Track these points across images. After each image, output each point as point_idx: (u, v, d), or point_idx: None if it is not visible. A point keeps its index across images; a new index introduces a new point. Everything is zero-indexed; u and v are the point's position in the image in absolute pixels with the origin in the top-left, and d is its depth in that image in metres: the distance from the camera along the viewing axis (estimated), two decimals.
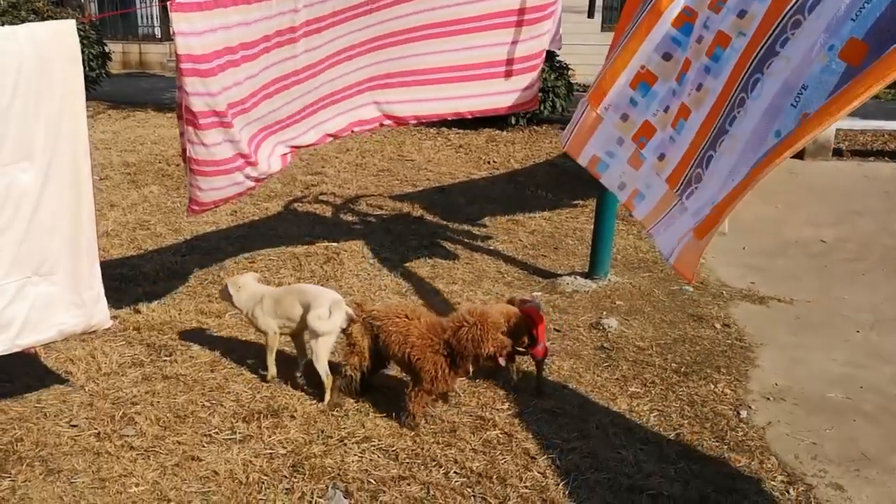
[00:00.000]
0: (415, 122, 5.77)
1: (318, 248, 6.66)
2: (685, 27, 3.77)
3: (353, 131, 5.40)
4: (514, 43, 5.41)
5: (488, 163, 9.91)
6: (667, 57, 3.87)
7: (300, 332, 4.36)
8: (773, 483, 3.55)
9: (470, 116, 5.79)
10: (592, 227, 6.06)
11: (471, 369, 3.91)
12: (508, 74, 5.50)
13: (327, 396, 4.13)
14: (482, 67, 5.43)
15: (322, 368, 4.13)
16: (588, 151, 4.38)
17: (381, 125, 5.54)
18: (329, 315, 4.12)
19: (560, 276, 6.10)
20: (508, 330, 4.00)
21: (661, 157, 3.73)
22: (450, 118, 5.77)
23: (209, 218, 7.38)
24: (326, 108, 5.11)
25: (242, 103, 4.47)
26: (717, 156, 3.12)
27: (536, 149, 10.54)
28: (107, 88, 13.90)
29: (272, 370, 4.39)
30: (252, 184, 4.85)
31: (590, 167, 4.37)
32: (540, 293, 5.76)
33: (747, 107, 2.96)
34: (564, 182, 9.01)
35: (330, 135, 5.25)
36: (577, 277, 6.02)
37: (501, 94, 5.58)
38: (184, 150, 4.49)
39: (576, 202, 8.18)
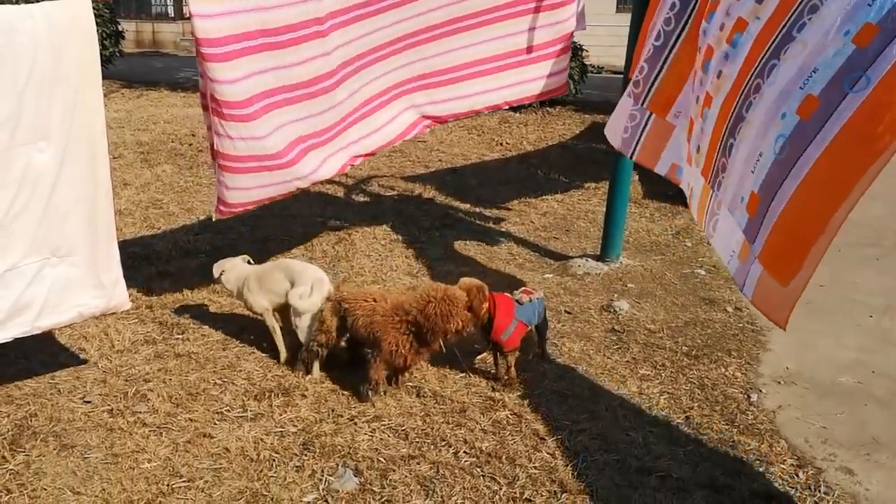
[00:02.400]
0: (453, 119, 5.72)
1: (331, 228, 6.67)
2: (710, 16, 3.73)
3: (409, 135, 5.41)
4: (541, 28, 5.38)
5: (501, 144, 9.88)
6: (700, 50, 3.84)
7: (286, 307, 4.41)
8: (782, 466, 3.54)
9: (506, 107, 5.79)
10: (604, 209, 6.04)
11: (439, 345, 4.01)
12: (537, 60, 5.48)
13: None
14: (511, 56, 5.41)
15: (304, 342, 4.26)
16: (666, 159, 4.34)
17: (427, 127, 5.53)
18: (311, 293, 4.23)
19: (571, 258, 6.09)
20: (469, 302, 3.99)
21: (699, 149, 3.69)
22: (486, 111, 5.74)
23: None
24: (374, 114, 5.06)
25: (270, 95, 4.36)
26: (736, 143, 3.07)
27: (549, 131, 10.49)
28: (120, 67, 13.92)
29: (283, 352, 4.43)
30: (284, 189, 4.71)
31: (669, 175, 4.38)
32: (552, 275, 5.75)
33: (763, 92, 2.91)
34: (577, 164, 8.98)
35: (389, 143, 5.25)
36: (589, 260, 6.00)
37: (532, 82, 5.56)
38: (212, 145, 4.41)
39: (588, 184, 8.15)
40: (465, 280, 4.09)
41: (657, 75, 4.26)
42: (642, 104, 4.39)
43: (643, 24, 4.92)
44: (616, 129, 4.78)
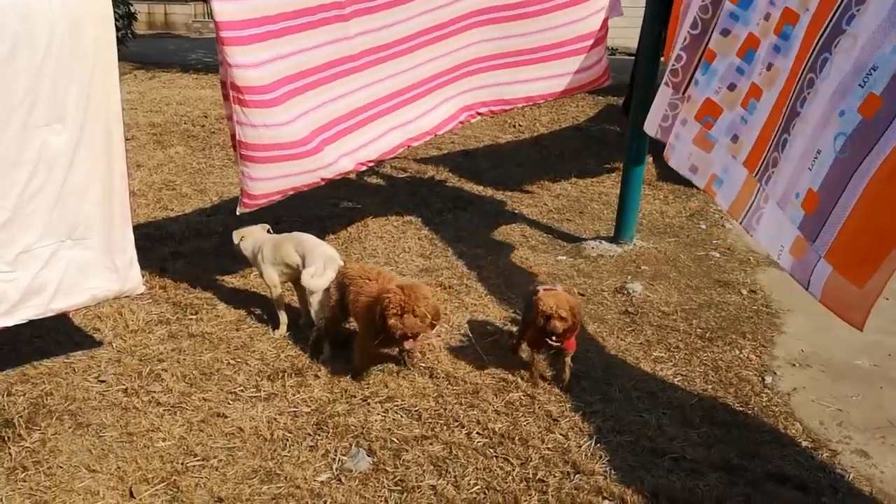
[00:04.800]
0: (488, 113, 5.64)
1: (343, 209, 6.66)
2: (743, 2, 3.67)
3: (435, 134, 5.33)
4: (579, 21, 5.32)
5: (514, 126, 9.82)
6: (725, 33, 3.78)
7: (297, 279, 4.45)
8: (797, 449, 3.52)
9: (542, 101, 5.73)
10: (618, 191, 6.00)
11: (390, 345, 3.89)
12: (576, 53, 5.41)
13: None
14: (550, 49, 5.33)
15: (316, 319, 4.31)
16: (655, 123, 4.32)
17: (461, 123, 5.46)
18: (323, 271, 4.26)
19: (585, 240, 6.06)
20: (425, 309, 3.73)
21: (735, 138, 3.63)
22: (521, 105, 5.66)
23: (234, 179, 7.40)
24: (405, 107, 4.97)
25: (292, 81, 4.31)
26: (790, 139, 3.02)
27: (563, 113, 10.41)
28: (132, 49, 13.90)
29: (282, 325, 4.50)
30: (310, 179, 4.64)
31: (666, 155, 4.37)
32: (565, 257, 5.73)
33: (816, 87, 2.85)
34: (590, 146, 8.92)
35: (411, 140, 5.14)
36: (602, 242, 5.97)
37: (573, 74, 5.49)
38: (233, 136, 4.35)
39: (602, 167, 8.09)
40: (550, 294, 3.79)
41: (696, 65, 4.21)
42: (683, 93, 4.35)
43: (672, 8, 4.87)
44: (654, 120, 4.74)
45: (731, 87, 3.70)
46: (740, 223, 3.63)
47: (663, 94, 4.63)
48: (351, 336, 4.31)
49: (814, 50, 2.92)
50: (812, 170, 2.78)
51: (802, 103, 2.95)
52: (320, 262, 4.29)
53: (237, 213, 4.64)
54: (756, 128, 3.40)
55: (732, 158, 3.65)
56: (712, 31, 3.97)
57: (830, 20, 2.83)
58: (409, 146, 5.24)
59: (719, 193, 3.87)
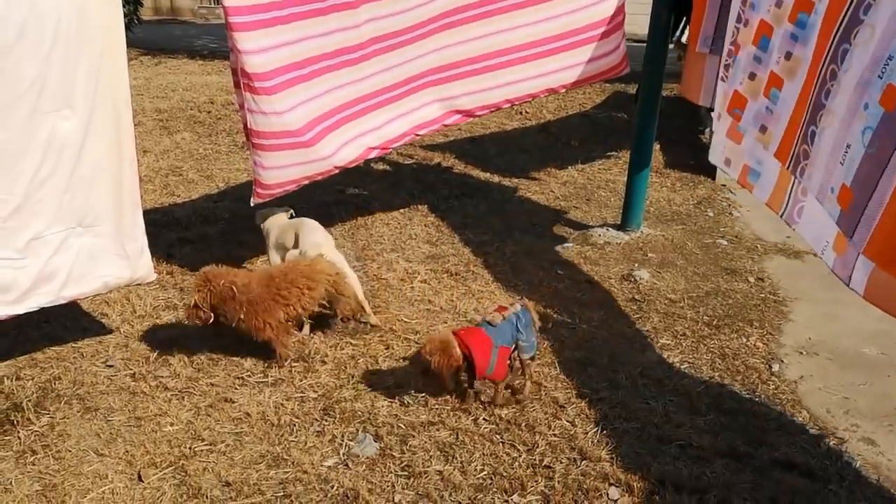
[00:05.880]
0: (486, 112, 5.55)
1: (349, 196, 6.65)
2: None
3: (444, 124, 5.28)
4: (590, 7, 5.24)
5: (520, 113, 9.78)
6: (746, 24, 3.76)
7: None
8: (804, 436, 3.52)
9: (563, 91, 5.65)
10: (625, 179, 5.97)
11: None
12: (592, 40, 5.32)
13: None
14: (551, 42, 5.25)
15: None
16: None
17: (473, 115, 5.39)
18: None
19: (592, 227, 6.04)
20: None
21: (763, 128, 3.60)
22: (543, 95, 5.57)
23: (241, 165, 7.41)
24: (408, 97, 4.92)
25: (300, 67, 4.28)
26: (818, 131, 2.98)
27: (570, 100, 10.37)
28: (138, 34, 13.87)
29: None
30: (322, 167, 4.61)
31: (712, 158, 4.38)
32: (572, 244, 5.72)
33: (839, 79, 2.81)
34: (597, 133, 8.88)
35: (412, 131, 5.06)
36: (610, 229, 5.95)
37: (591, 62, 5.41)
38: (245, 126, 4.33)
39: (609, 154, 8.06)
40: (432, 337, 3.65)
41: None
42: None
43: None
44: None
45: (752, 76, 3.67)
46: (781, 216, 3.58)
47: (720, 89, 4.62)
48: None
49: (833, 40, 2.88)
50: (844, 164, 2.75)
51: (827, 95, 2.91)
52: (306, 248, 4.33)
53: (251, 205, 4.62)
54: (783, 118, 3.37)
55: (763, 149, 3.62)
56: (739, 24, 3.96)
57: (847, 9, 2.78)
58: (415, 135, 5.20)
59: (756, 186, 3.83)
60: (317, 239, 4.41)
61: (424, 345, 3.60)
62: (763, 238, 5.87)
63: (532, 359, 3.82)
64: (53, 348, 4.15)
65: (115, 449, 3.37)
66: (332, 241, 4.56)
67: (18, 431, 3.46)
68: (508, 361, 3.66)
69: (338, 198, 6.58)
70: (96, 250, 3.73)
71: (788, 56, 3.32)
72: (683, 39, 6.96)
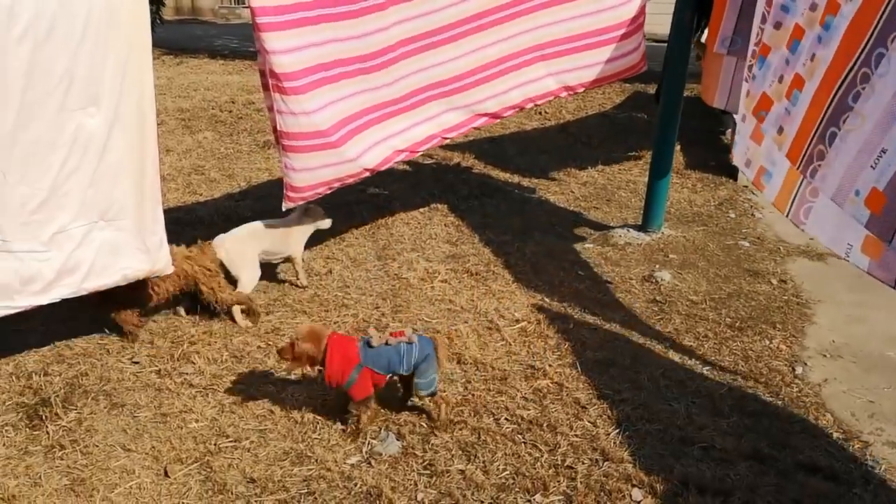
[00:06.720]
0: (530, 105, 5.56)
1: (370, 195, 6.68)
2: None
3: (471, 127, 5.27)
4: (617, 7, 5.24)
5: (540, 113, 9.77)
6: (777, 26, 3.74)
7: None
8: (828, 439, 3.50)
9: (582, 90, 5.65)
10: (646, 179, 5.96)
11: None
12: (615, 40, 5.32)
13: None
14: (584, 38, 5.25)
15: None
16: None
17: (498, 117, 5.39)
18: None
19: (612, 228, 6.03)
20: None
21: (780, 130, 3.59)
22: (562, 94, 5.56)
23: (262, 165, 7.46)
24: (437, 101, 4.92)
25: (326, 69, 4.28)
26: (841, 133, 2.96)
27: (589, 100, 10.34)
28: (160, 34, 13.94)
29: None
30: (353, 169, 4.61)
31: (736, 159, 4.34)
32: (592, 245, 5.71)
33: (873, 83, 2.79)
34: (617, 134, 8.86)
35: (439, 134, 5.05)
36: (630, 230, 5.94)
37: (612, 62, 5.41)
38: (275, 128, 4.33)
39: (629, 154, 8.04)
40: (302, 327, 3.51)
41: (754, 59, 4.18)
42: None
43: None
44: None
45: (781, 79, 3.66)
46: (786, 215, 3.57)
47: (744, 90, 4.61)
48: None
49: (866, 43, 2.86)
50: (876, 168, 2.72)
51: (856, 98, 2.89)
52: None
53: (283, 210, 4.63)
54: (798, 119, 3.35)
55: (777, 150, 3.61)
56: (764, 25, 3.93)
57: (883, 13, 2.76)
58: (442, 139, 5.19)
59: (767, 187, 3.82)
60: (235, 231, 4.61)
61: (300, 329, 3.44)
62: (786, 240, 5.84)
63: (432, 395, 3.50)
64: (80, 344, 4.20)
65: (141, 444, 3.41)
66: (244, 237, 4.63)
67: (47, 426, 3.51)
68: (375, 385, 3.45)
69: (358, 197, 6.60)
70: (118, 244, 3.79)
71: (812, 58, 3.31)
72: (702, 39, 6.92)
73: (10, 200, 3.36)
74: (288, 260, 4.89)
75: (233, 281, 4.53)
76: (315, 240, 5.20)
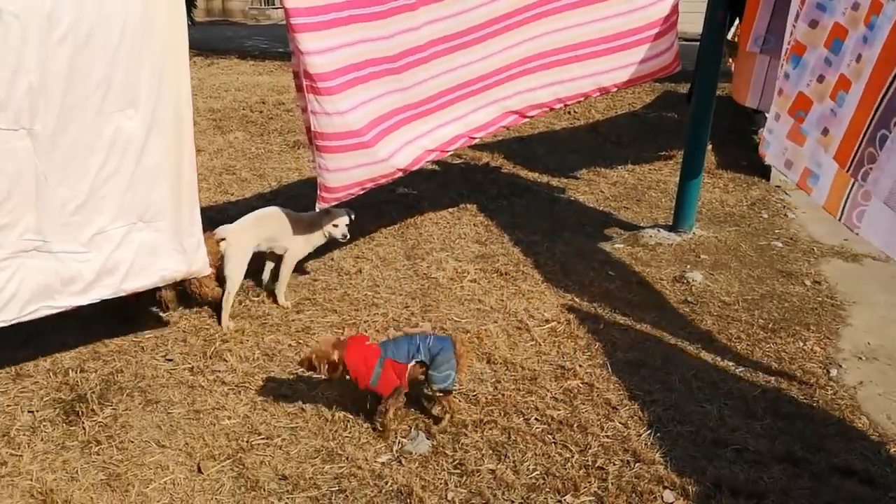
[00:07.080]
0: (560, 105, 5.51)
1: (399, 195, 6.70)
2: None
3: (500, 126, 5.24)
4: (649, 6, 5.20)
5: (569, 113, 9.72)
6: (813, 24, 3.69)
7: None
8: (863, 443, 3.45)
9: (615, 90, 5.61)
10: (677, 179, 5.91)
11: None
12: (647, 40, 5.28)
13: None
14: (618, 38, 5.21)
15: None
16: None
17: (525, 116, 5.35)
18: None
19: (643, 228, 5.99)
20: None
21: (825, 131, 3.55)
22: (595, 94, 5.52)
23: (292, 164, 7.52)
24: (464, 100, 4.90)
25: (358, 69, 4.28)
26: (892, 136, 2.92)
27: (619, 99, 10.27)
28: (192, 35, 14.11)
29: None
30: (387, 169, 4.60)
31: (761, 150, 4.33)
32: (622, 245, 5.68)
33: None
34: (647, 133, 8.79)
35: (466, 134, 5.03)
36: (661, 230, 5.90)
37: (645, 62, 5.37)
38: (308, 129, 4.35)
39: (659, 154, 7.98)
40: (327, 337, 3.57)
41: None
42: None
43: None
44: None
45: (821, 79, 3.61)
46: (839, 219, 3.52)
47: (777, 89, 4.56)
48: None
49: None
50: None
51: None
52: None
53: (316, 210, 4.64)
54: (845, 121, 3.31)
55: (824, 152, 3.57)
56: (797, 22, 3.88)
57: None
58: (471, 138, 5.17)
59: (815, 189, 3.78)
60: (239, 222, 4.63)
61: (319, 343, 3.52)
62: (819, 240, 5.76)
63: (446, 392, 3.51)
64: (115, 342, 4.27)
65: (175, 441, 3.46)
66: (247, 227, 4.62)
67: (83, 422, 3.57)
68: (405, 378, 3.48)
69: (387, 197, 6.62)
70: (156, 245, 3.84)
71: (859, 59, 3.26)
72: (730, 37, 6.84)
73: (50, 202, 3.42)
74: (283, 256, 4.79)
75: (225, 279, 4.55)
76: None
